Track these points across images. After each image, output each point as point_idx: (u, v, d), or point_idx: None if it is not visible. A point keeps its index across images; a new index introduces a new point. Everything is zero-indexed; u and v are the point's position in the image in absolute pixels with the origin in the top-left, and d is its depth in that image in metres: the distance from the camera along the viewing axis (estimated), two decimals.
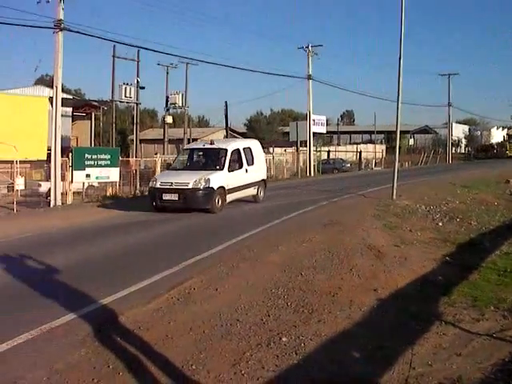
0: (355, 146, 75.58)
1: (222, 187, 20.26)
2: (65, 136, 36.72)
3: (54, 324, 7.66)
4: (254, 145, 24.52)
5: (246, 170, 22.30)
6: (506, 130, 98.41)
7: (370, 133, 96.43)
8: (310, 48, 48.26)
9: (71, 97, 52.63)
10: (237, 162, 21.78)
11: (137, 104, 49.15)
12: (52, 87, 29.51)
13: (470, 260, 13.86)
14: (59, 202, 25.19)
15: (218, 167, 21.00)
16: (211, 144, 22.35)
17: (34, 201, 26.87)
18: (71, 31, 26.45)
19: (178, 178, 20.29)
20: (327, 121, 61.40)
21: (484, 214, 22.04)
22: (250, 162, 22.85)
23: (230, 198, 20.93)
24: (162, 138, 54.59)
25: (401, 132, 26.85)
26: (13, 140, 27.21)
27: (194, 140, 66.32)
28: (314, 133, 51.50)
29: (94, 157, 27.38)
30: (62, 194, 25.64)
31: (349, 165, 59.26)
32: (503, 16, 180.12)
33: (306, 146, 50.01)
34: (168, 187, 19.84)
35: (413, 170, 52.79)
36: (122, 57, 45.46)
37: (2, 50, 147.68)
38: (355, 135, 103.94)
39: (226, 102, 56.91)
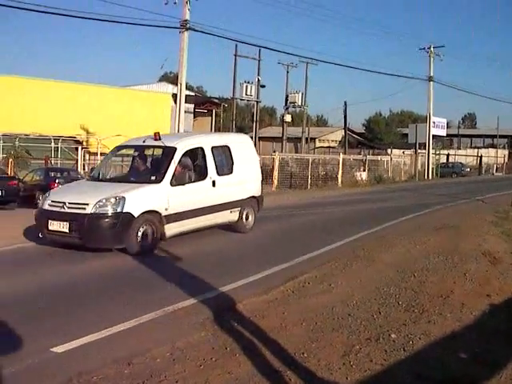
0: (476, 150, 73.76)
1: (155, 212, 12.69)
2: (187, 131, 38.09)
3: (176, 306, 8.29)
4: (238, 142, 16.62)
5: (214, 183, 14.43)
6: None
7: (492, 137, 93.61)
8: (431, 49, 47.70)
9: (193, 94, 54.23)
10: (193, 170, 14.13)
11: (257, 102, 50.05)
12: (176, 84, 30.79)
13: None
14: None
15: (153, 178, 13.37)
16: (156, 139, 13.86)
17: None
18: (196, 31, 27.52)
19: (76, 196, 12.89)
20: (447, 123, 60.31)
21: None
22: (226, 170, 15.11)
23: (174, 228, 13.25)
24: (280, 136, 55.25)
25: None
26: (136, 133, 28.49)
27: (312, 139, 67.00)
28: (433, 135, 50.78)
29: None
30: None
31: (468, 169, 57.96)
32: None
33: (425, 149, 49.38)
34: (58, 210, 12.52)
35: None
36: (243, 55, 46.45)
37: (130, 48, 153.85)
38: (476, 139, 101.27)
39: (345, 101, 57.09)
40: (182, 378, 5.90)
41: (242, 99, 50.30)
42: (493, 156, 71.46)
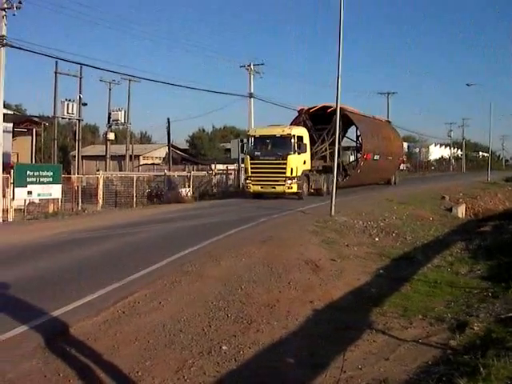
0: None
1: None
2: (5, 152, 36.46)
3: (5, 336, 7.91)
4: None
5: None
6: (443, 146, 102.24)
7: None
8: (251, 66, 48.95)
9: (12, 112, 52.03)
10: None
11: (79, 120, 48.94)
12: None
13: (403, 273, 14.59)
14: (0, 219, 25.00)
15: None
16: None
17: None
18: (13, 47, 26.46)
19: None
20: None
21: (419, 229, 22.77)
22: None
23: None
24: (103, 154, 54.31)
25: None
26: None
27: (136, 157, 66.58)
28: None
29: (36, 173, 27.25)
30: (2, 210, 25.38)
31: None
32: (441, 40, 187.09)
33: None
34: None
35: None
36: (64, 73, 45.35)
37: None
38: None
39: (168, 118, 57.36)
40: None
41: (63, 118, 48.91)
42: None
